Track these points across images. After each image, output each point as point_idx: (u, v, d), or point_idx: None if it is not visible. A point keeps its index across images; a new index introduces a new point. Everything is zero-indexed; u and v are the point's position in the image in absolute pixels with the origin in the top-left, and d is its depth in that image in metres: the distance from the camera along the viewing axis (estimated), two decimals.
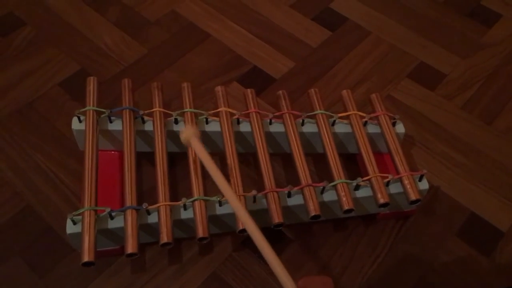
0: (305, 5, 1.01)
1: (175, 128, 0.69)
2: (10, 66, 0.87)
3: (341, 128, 0.71)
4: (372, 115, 0.71)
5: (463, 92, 0.88)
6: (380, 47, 0.95)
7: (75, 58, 0.89)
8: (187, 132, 0.58)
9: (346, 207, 0.61)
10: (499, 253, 0.70)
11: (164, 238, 0.57)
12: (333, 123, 0.71)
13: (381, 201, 0.61)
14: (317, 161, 0.77)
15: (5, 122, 0.80)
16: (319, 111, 0.70)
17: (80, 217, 0.58)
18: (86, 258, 0.55)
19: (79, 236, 0.57)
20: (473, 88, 0.89)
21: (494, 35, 0.98)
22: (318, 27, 0.97)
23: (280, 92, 0.72)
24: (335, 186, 0.63)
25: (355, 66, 0.92)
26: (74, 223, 0.59)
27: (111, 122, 0.68)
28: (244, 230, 0.59)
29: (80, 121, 0.68)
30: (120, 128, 0.67)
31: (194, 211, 0.60)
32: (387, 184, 0.65)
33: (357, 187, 0.64)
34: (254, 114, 0.69)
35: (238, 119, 0.69)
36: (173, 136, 0.69)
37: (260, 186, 0.64)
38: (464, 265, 0.69)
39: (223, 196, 0.61)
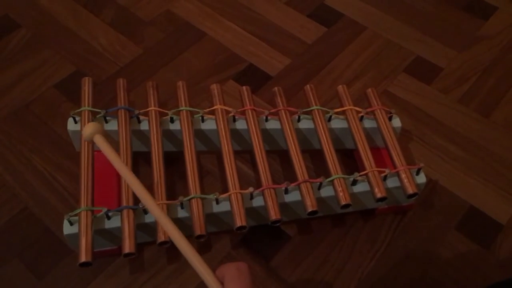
0: (300, 2, 1.01)
1: (171, 127, 0.69)
2: (6, 68, 0.87)
3: (338, 123, 0.71)
4: (368, 109, 0.70)
5: (460, 86, 0.88)
6: (376, 42, 0.95)
7: (71, 59, 0.89)
8: (89, 129, 0.53)
9: (343, 202, 0.60)
10: (499, 246, 0.70)
11: (162, 237, 0.57)
12: (329, 119, 0.70)
13: (379, 195, 0.61)
14: (314, 157, 0.77)
15: (1, 124, 0.80)
16: (315, 107, 0.70)
17: (77, 217, 0.58)
18: (83, 258, 0.54)
19: (76, 236, 0.57)
20: (470, 82, 0.89)
21: (490, 28, 0.98)
22: (313, 23, 0.97)
23: (276, 88, 0.72)
24: (332, 182, 0.62)
25: (351, 61, 0.91)
26: (71, 223, 0.59)
27: (106, 122, 0.68)
28: (242, 228, 0.58)
29: (75, 122, 0.68)
30: (116, 128, 0.67)
31: (191, 209, 0.60)
32: (385, 178, 0.64)
33: (354, 182, 0.64)
34: (250, 111, 0.69)
35: (234, 116, 0.69)
36: (169, 135, 0.69)
37: (257, 183, 0.63)
38: (463, 258, 0.69)
39: (219, 193, 0.61)
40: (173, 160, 0.75)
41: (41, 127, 0.80)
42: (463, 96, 0.87)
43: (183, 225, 0.63)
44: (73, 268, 0.66)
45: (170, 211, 0.60)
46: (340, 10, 1.00)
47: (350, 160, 0.75)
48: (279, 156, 0.77)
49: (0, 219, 0.70)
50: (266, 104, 0.84)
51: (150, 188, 0.61)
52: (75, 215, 0.58)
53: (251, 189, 0.61)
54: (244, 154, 0.77)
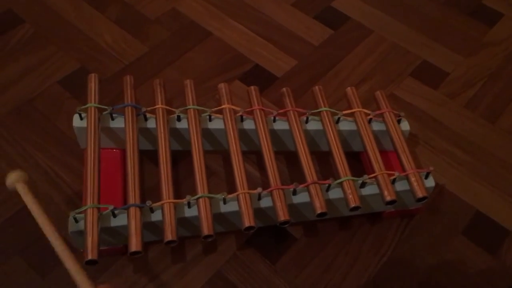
0: (306, 4, 1.00)
1: (178, 125, 0.68)
2: (9, 63, 0.86)
3: (346, 125, 0.70)
4: (377, 112, 0.70)
5: (466, 91, 0.88)
6: (382, 46, 0.94)
7: (75, 56, 0.88)
8: (12, 177, 0.57)
9: (352, 205, 0.60)
10: (505, 252, 0.69)
11: (169, 236, 0.56)
12: (338, 121, 0.70)
13: (388, 198, 0.61)
14: (321, 160, 0.76)
15: (4, 120, 0.79)
16: (323, 108, 0.69)
17: (82, 215, 0.57)
18: (90, 256, 0.53)
19: (81, 234, 0.56)
20: (476, 87, 0.89)
21: (496, 34, 0.98)
22: (319, 25, 0.97)
23: (284, 89, 0.72)
24: (341, 184, 0.62)
25: (357, 64, 0.91)
26: (77, 221, 0.58)
27: (113, 119, 0.67)
28: (250, 228, 0.58)
29: (81, 118, 0.67)
30: (122, 125, 0.66)
31: (198, 209, 0.59)
32: (393, 181, 0.64)
33: (363, 185, 0.64)
34: (258, 111, 0.68)
35: (241, 116, 0.69)
36: (175, 134, 0.69)
37: (263, 184, 0.63)
38: (470, 264, 0.68)
39: (227, 193, 0.60)
40: (179, 160, 0.74)
41: (45, 124, 0.79)
42: (469, 102, 0.86)
43: (190, 225, 0.62)
44: None
45: (177, 210, 0.59)
46: (347, 13, 1.00)
47: (356, 163, 0.74)
48: (284, 158, 0.77)
49: (2, 216, 0.69)
50: (272, 104, 0.83)
51: (157, 187, 0.61)
52: (81, 212, 0.57)
53: (259, 189, 0.61)
54: (250, 155, 0.77)
